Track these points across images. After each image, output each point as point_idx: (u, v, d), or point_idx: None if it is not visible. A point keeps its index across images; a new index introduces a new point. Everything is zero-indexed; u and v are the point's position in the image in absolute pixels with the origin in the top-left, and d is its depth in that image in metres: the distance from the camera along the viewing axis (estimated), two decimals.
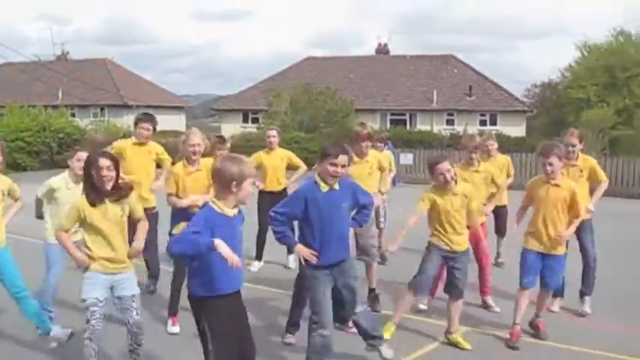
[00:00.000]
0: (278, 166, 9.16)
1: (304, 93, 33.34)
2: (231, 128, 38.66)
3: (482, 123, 38.69)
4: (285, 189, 9.04)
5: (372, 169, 7.30)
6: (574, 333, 6.63)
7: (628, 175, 20.49)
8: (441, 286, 6.72)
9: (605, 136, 27.96)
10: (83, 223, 5.02)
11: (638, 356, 5.93)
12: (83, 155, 5.92)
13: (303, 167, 9.29)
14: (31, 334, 6.21)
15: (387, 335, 6.04)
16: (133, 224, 5.26)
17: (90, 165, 4.99)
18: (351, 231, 6.96)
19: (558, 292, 7.25)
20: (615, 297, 7.85)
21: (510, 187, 9.25)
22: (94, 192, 4.98)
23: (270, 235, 6.93)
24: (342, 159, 5.14)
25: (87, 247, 5.05)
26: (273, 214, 5.22)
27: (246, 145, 20.74)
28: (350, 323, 6.37)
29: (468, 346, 6.14)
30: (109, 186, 5.00)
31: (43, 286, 6.32)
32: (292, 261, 9.12)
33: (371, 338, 5.53)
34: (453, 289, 6.19)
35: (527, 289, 6.34)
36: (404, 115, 40.67)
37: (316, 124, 31.94)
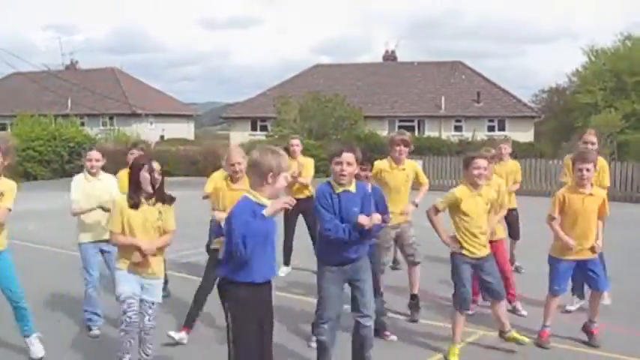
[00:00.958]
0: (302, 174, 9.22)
1: (313, 100, 33.43)
2: (240, 136, 38.84)
3: (491, 129, 38.74)
4: (311, 196, 9.05)
5: (408, 178, 7.27)
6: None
7: (638, 179, 20.44)
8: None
9: (613, 140, 27.96)
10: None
11: None
12: (93, 154, 6.55)
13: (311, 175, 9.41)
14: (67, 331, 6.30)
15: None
16: None
17: (140, 166, 5.17)
18: (392, 233, 7.04)
19: (579, 293, 7.33)
20: (632, 301, 7.84)
21: (518, 193, 9.26)
22: (138, 193, 5.17)
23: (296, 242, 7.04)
24: (346, 156, 5.09)
25: (119, 251, 5.28)
26: (323, 230, 5.16)
27: None
28: (387, 331, 6.48)
29: (526, 339, 6.18)
30: (153, 189, 5.19)
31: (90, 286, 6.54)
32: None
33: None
34: (492, 293, 6.19)
35: (557, 297, 6.41)
36: (412, 121, 40.71)
37: (325, 132, 32.01)
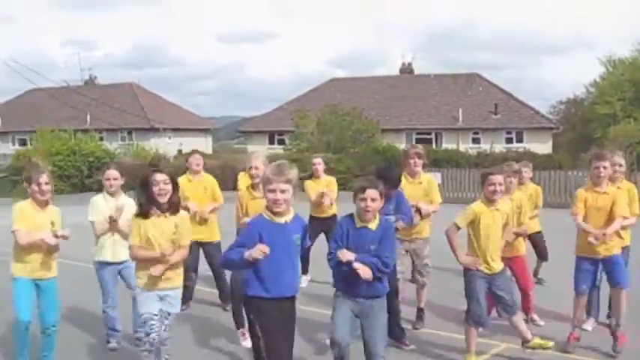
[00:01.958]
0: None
1: (331, 113, 33.50)
2: (258, 150, 38.93)
3: (509, 141, 38.62)
4: (335, 215, 9.02)
5: (426, 192, 7.22)
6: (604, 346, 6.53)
7: None
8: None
9: (633, 151, 27.72)
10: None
11: None
12: (111, 173, 6.58)
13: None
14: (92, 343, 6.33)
15: None
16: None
17: (147, 180, 5.21)
18: (404, 250, 7.01)
19: (594, 314, 7.19)
20: None
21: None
22: (150, 204, 5.20)
23: (316, 252, 7.06)
24: (370, 193, 4.96)
25: (137, 264, 5.32)
26: (329, 254, 5.09)
27: None
28: (406, 340, 6.52)
29: (550, 343, 6.18)
30: (164, 199, 5.21)
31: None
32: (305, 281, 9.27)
33: None
34: (507, 308, 6.15)
35: (583, 296, 6.46)
36: (429, 134, 40.67)
37: (343, 145, 32.06)
